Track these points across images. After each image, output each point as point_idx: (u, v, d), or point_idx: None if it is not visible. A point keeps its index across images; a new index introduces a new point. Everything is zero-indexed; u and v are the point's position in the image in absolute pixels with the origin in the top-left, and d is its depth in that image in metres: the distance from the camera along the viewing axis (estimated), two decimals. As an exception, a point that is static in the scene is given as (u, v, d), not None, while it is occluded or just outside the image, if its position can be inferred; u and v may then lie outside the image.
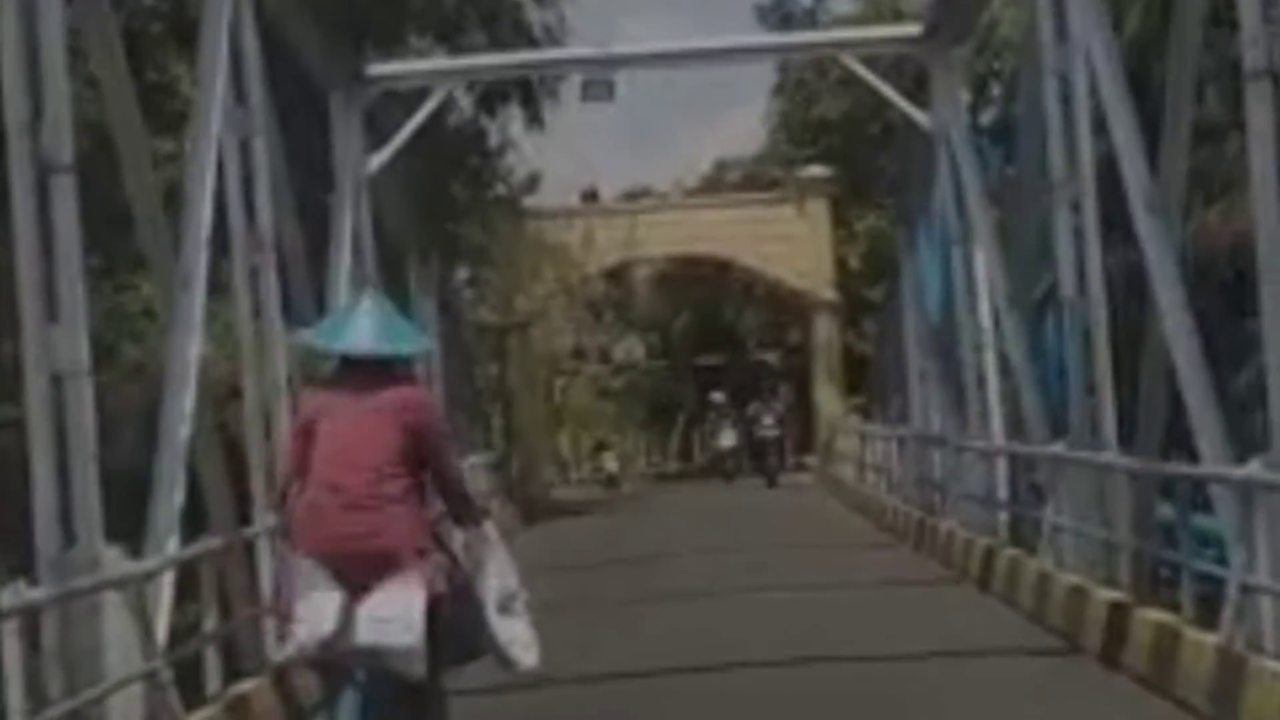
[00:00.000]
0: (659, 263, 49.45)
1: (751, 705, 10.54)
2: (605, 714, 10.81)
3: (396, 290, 21.62)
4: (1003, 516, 16.47)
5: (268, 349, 13.53)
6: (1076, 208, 13.46)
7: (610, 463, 44.22)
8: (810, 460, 37.69)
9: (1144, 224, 11.59)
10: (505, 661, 7.10)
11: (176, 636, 10.24)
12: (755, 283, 44.24)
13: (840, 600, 15.13)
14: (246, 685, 10.63)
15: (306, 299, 15.73)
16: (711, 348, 49.40)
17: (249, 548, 12.22)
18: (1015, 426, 17.22)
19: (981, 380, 17.81)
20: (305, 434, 6.97)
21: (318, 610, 6.66)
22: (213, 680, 10.34)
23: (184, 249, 11.47)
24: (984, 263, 17.47)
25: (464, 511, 7.15)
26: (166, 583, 10.07)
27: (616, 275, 48.57)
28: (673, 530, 25.13)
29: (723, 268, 43.06)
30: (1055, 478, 13.92)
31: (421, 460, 6.89)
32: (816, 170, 38.52)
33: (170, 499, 10.51)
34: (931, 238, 22.27)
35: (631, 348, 52.82)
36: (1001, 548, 15.42)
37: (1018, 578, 14.25)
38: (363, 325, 7.04)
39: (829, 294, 37.83)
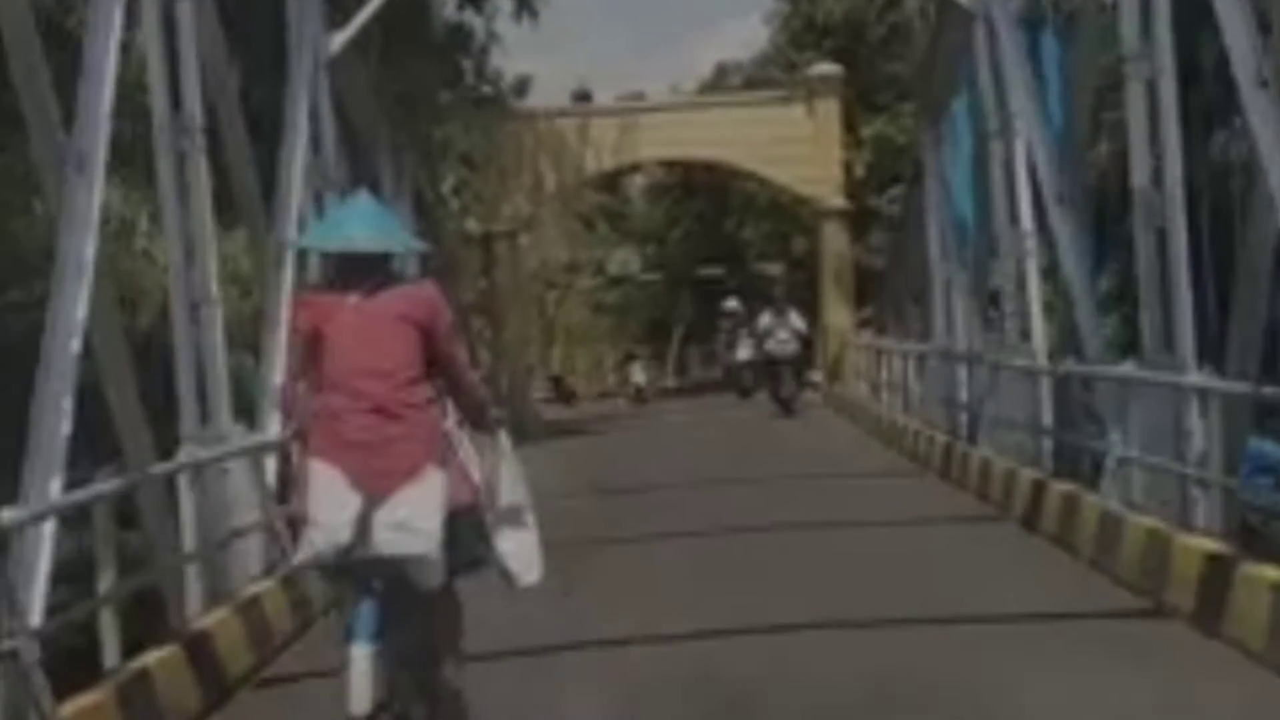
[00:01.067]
0: (655, 171, 47.47)
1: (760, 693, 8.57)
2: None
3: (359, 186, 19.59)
4: (1046, 445, 14.56)
5: (198, 249, 11.49)
6: (1151, 85, 11.47)
7: (638, 374, 41.93)
8: (815, 377, 35.58)
9: (1251, 100, 9.56)
10: (504, 576, 6.87)
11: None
12: (758, 191, 42.17)
13: (871, 543, 13.14)
14: (151, 658, 8.65)
15: (252, 195, 13.70)
16: (711, 260, 47.43)
17: (170, 485, 10.28)
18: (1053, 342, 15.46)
19: (1022, 289, 15.78)
20: (313, 338, 6.62)
21: (334, 517, 6.42)
22: (110, 653, 8.39)
23: (79, 123, 9.40)
24: (1025, 155, 15.43)
25: (479, 417, 6.93)
26: (46, 535, 8.10)
27: (611, 184, 46.57)
28: (668, 453, 23.15)
29: (724, 175, 40.91)
30: (1124, 403, 11.93)
31: (434, 361, 6.67)
32: (826, 68, 36.19)
33: (53, 431, 8.50)
34: (957, 136, 20.29)
35: (626, 260, 50.64)
36: (1051, 481, 13.43)
37: (1075, 518, 12.26)
38: (355, 223, 6.76)
39: (839, 201, 35.55)
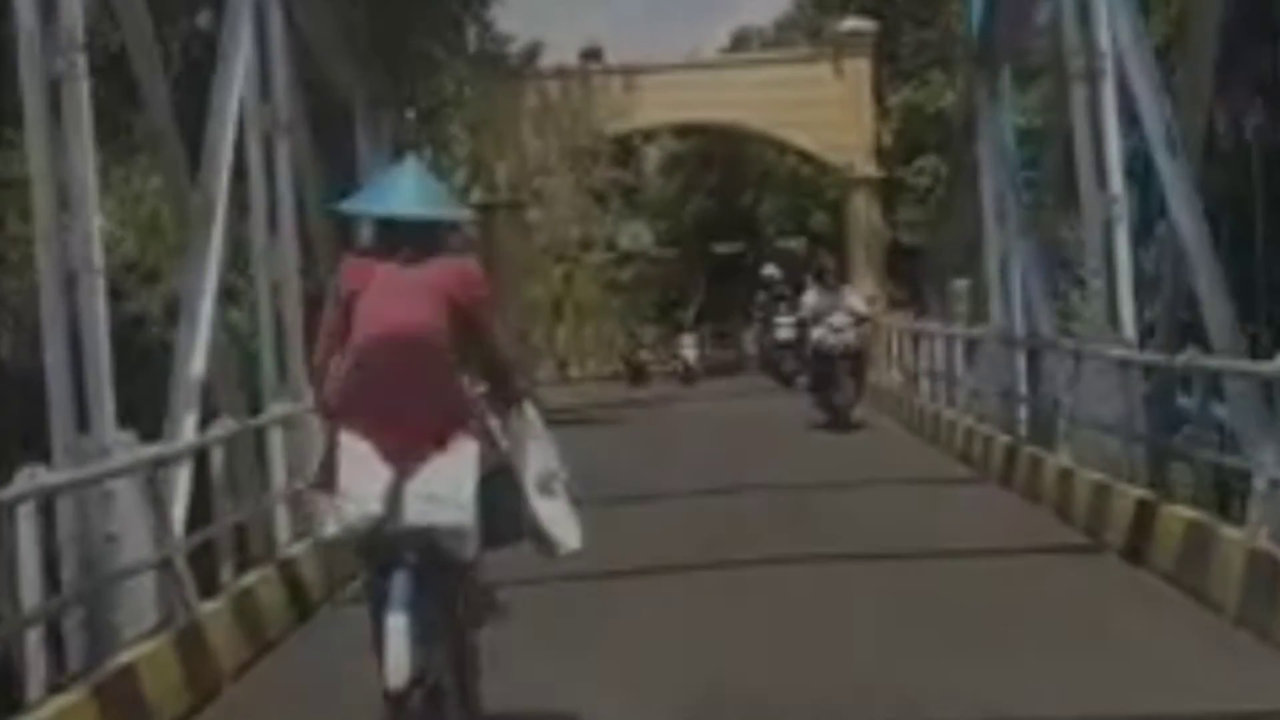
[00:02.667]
0: (670, 144, 45.12)
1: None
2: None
3: (334, 147, 17.00)
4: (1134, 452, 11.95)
5: (75, 202, 8.83)
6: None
7: (688, 350, 36.81)
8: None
9: None
10: (546, 544, 6.80)
11: None
12: (777, 162, 39.61)
13: (948, 583, 10.42)
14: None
15: (168, 138, 11.01)
16: (726, 235, 44.90)
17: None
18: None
19: (1110, 263, 13.08)
20: (347, 305, 6.54)
21: (365, 488, 6.33)
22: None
23: None
24: (1112, 98, 12.83)
25: (507, 390, 6.82)
26: None
27: (624, 158, 44.13)
28: (678, 451, 20.42)
29: (742, 144, 38.30)
30: (1268, 410, 9.25)
31: (468, 336, 6.52)
32: (856, 23, 33.39)
33: None
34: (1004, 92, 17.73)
35: (639, 233, 47.79)
36: (1162, 503, 10.74)
37: (1207, 556, 9.53)
38: (404, 188, 6.69)
39: (870, 169, 32.77)
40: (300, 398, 12.76)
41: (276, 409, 12.24)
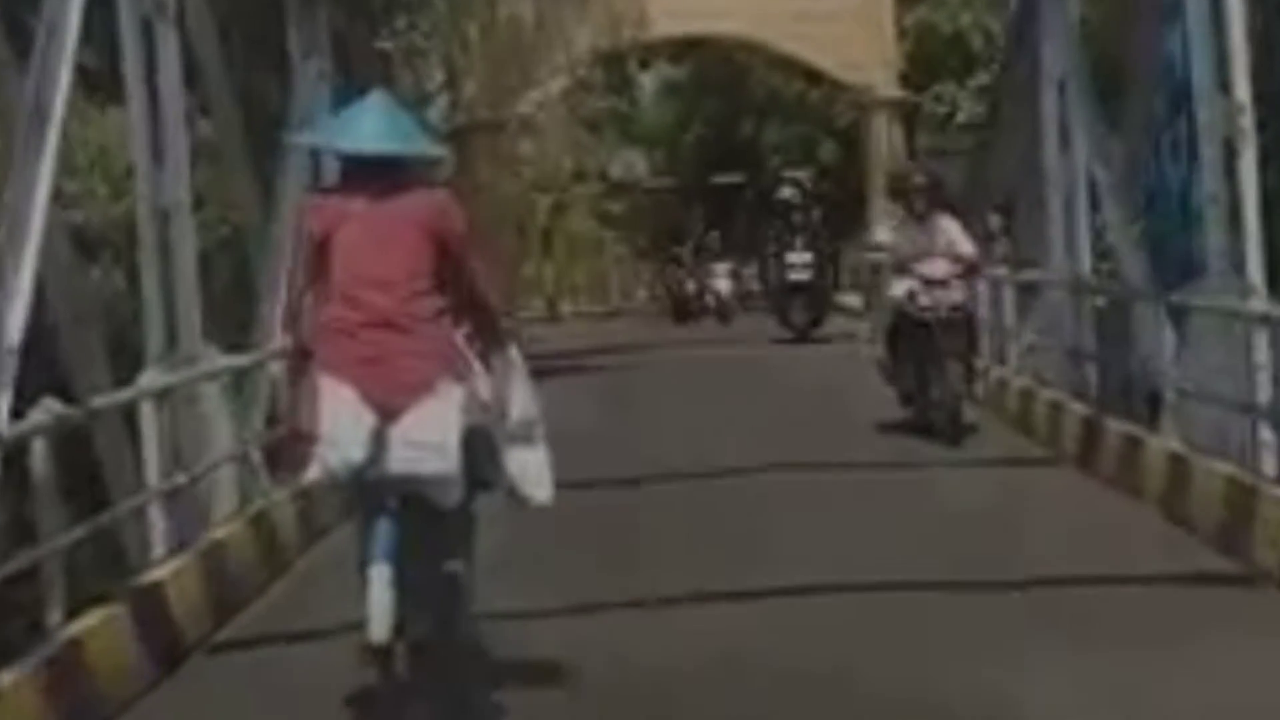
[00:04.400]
0: (667, 69, 42.75)
1: None
2: None
3: (260, 51, 14.19)
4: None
5: None
6: None
7: (721, 282, 32.02)
8: (852, 301, 29.74)
9: None
10: (514, 497, 6.71)
11: None
12: (785, 85, 37.08)
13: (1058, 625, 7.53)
14: None
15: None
16: (727, 166, 42.42)
17: None
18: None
19: (1234, 190, 10.22)
20: (320, 245, 6.45)
21: (347, 435, 6.25)
22: None
23: None
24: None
25: (489, 331, 6.70)
26: None
27: (619, 85, 41.72)
28: (675, 413, 17.50)
29: (744, 67, 35.73)
30: None
31: (446, 271, 6.43)
32: (876, -81, 30.60)
33: None
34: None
35: (632, 163, 45.12)
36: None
37: None
38: (368, 122, 6.55)
39: (892, 89, 29.92)
40: (194, 363, 10.05)
41: (151, 379, 9.35)
